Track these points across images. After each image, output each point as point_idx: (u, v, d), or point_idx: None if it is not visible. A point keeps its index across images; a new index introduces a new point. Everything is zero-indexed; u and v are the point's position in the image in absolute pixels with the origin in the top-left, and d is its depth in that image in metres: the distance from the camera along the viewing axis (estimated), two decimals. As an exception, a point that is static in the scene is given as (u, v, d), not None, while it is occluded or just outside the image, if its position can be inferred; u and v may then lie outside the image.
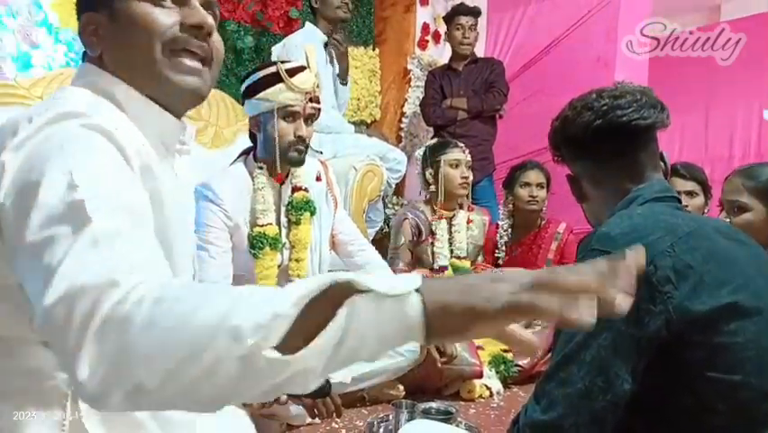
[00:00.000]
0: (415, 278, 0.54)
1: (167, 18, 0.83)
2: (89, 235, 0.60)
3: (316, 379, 0.54)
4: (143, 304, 0.54)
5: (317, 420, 1.89)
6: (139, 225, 0.66)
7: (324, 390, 1.54)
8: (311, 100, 1.87)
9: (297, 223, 1.95)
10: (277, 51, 3.08)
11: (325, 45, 3.17)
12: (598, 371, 0.90)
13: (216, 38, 0.89)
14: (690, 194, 2.42)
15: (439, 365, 2.18)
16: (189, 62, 0.85)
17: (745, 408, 0.90)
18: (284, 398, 1.49)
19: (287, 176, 1.97)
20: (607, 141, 1.08)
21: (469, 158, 2.73)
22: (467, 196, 2.79)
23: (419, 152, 2.88)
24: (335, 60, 3.19)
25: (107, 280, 0.56)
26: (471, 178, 2.76)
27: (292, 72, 1.85)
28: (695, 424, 0.92)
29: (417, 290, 0.53)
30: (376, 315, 0.52)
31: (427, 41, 4.34)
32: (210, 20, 0.86)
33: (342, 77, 3.26)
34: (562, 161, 1.19)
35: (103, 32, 0.85)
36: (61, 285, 0.56)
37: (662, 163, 1.13)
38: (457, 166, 2.69)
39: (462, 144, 2.80)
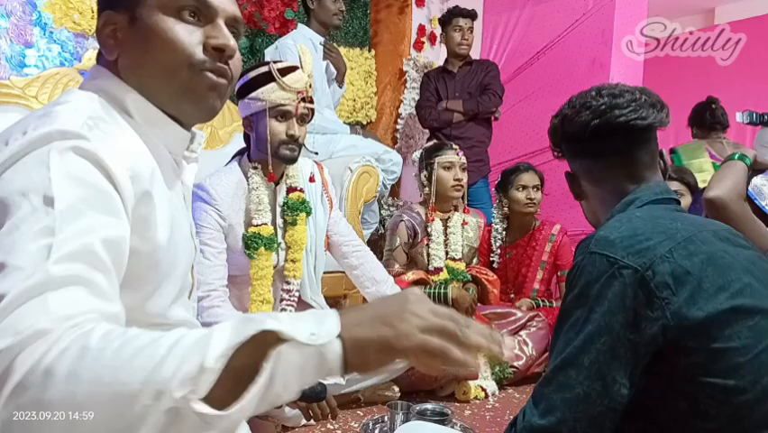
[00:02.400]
0: (333, 321, 0.58)
1: (190, 37, 0.82)
2: (40, 276, 0.58)
3: (239, 425, 0.56)
4: (65, 356, 0.53)
5: (312, 422, 1.89)
6: (99, 269, 0.64)
7: (320, 394, 1.53)
8: (304, 100, 1.87)
9: (293, 223, 1.95)
10: (270, 52, 3.09)
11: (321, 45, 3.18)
12: (596, 376, 0.90)
13: (236, 57, 0.87)
14: (675, 193, 2.45)
15: (434, 367, 2.17)
16: (209, 81, 0.84)
17: (738, 413, 0.89)
18: (278, 401, 1.49)
19: (281, 176, 1.97)
20: (605, 139, 1.08)
21: (463, 160, 2.73)
22: (462, 198, 2.79)
23: (416, 154, 2.88)
24: (330, 66, 3.20)
25: (34, 330, 0.54)
26: (466, 180, 2.76)
27: (284, 71, 1.85)
28: (687, 429, 0.92)
29: (338, 335, 0.57)
30: (299, 362, 0.55)
31: (423, 43, 4.34)
32: (233, 42, 0.85)
33: (340, 81, 3.26)
34: (563, 157, 1.20)
35: (122, 37, 0.83)
36: None
37: (661, 162, 1.14)
38: (450, 168, 2.69)
39: (457, 146, 2.80)
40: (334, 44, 3.33)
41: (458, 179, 2.68)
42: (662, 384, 0.92)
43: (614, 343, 0.90)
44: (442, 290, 2.57)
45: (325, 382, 1.68)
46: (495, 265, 3.13)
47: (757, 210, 1.55)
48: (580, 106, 1.10)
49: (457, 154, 2.73)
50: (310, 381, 0.57)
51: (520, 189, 3.02)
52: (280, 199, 1.97)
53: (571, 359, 0.92)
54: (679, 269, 0.91)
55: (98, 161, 0.69)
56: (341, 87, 3.31)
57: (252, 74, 1.87)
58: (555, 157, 1.22)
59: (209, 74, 0.83)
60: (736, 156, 1.45)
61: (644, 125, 1.07)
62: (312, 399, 1.54)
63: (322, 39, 3.20)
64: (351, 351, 0.57)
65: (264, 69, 1.87)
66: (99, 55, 0.87)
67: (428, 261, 2.69)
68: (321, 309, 0.60)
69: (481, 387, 2.35)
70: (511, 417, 2.16)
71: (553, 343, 1.00)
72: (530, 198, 3.00)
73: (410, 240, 2.71)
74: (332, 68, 3.21)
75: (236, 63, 0.88)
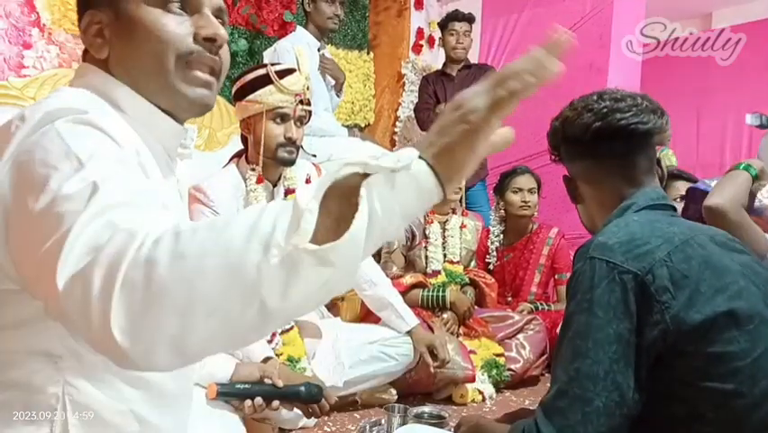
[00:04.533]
0: (411, 150, 0.57)
1: (180, 28, 0.81)
2: (97, 205, 0.58)
3: (357, 265, 0.54)
4: (162, 242, 0.52)
5: (310, 424, 1.89)
6: (149, 192, 0.65)
7: (316, 396, 1.54)
8: (301, 102, 1.88)
9: (290, 225, 1.95)
10: (268, 56, 3.10)
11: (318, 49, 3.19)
12: (613, 386, 0.89)
13: (225, 48, 0.87)
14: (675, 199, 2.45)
15: (432, 369, 2.18)
16: (202, 75, 0.83)
17: (735, 416, 0.90)
18: (276, 404, 1.49)
19: (279, 178, 1.97)
20: (605, 142, 1.09)
21: (461, 162, 2.73)
22: (460, 200, 2.79)
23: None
24: (328, 76, 3.21)
25: (122, 234, 0.54)
26: (464, 183, 2.76)
27: (282, 74, 1.85)
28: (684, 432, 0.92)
29: (419, 156, 0.56)
30: (393, 188, 0.54)
31: (421, 46, 4.35)
32: (222, 31, 0.84)
33: (339, 90, 3.27)
34: (560, 161, 1.20)
35: (109, 34, 0.82)
36: (71, 257, 0.55)
37: (658, 169, 1.14)
38: (447, 170, 2.69)
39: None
40: (328, 55, 3.33)
41: (455, 182, 2.68)
42: (661, 389, 0.92)
43: (624, 350, 0.90)
44: (439, 293, 2.57)
45: (323, 385, 1.68)
46: (492, 268, 3.13)
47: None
48: (581, 109, 1.11)
49: (454, 157, 2.72)
50: (414, 208, 0.57)
51: (516, 192, 3.02)
52: (278, 201, 1.97)
53: (585, 370, 0.91)
54: (677, 273, 0.92)
55: (104, 130, 0.69)
56: (339, 96, 3.32)
57: (250, 76, 1.87)
58: (552, 161, 1.22)
59: (200, 69, 0.83)
60: (742, 166, 1.45)
61: (644, 130, 1.08)
62: (309, 401, 1.54)
63: (319, 42, 3.21)
64: (438, 162, 0.56)
65: (262, 71, 1.87)
66: (86, 52, 0.86)
67: (426, 263, 2.69)
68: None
69: (478, 390, 2.34)
70: (508, 420, 2.16)
71: (558, 350, 0.99)
72: (525, 201, 3.00)
73: (408, 242, 2.71)
74: (329, 78, 3.22)
75: (226, 53, 0.87)
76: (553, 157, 1.21)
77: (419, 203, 0.57)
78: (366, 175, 0.54)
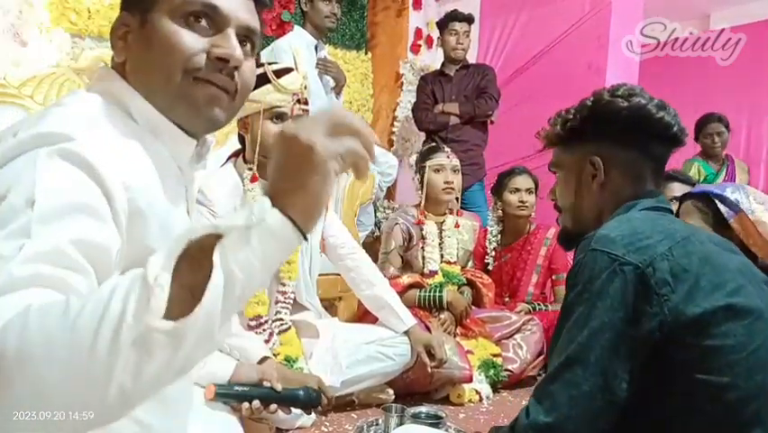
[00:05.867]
0: (264, 200, 0.57)
1: (194, 43, 0.80)
2: (3, 278, 0.56)
3: (220, 329, 0.54)
4: (9, 332, 0.51)
5: (307, 424, 1.89)
6: (71, 268, 0.62)
7: (315, 400, 1.54)
8: (299, 101, 1.88)
9: (288, 225, 1.95)
10: (265, 55, 3.09)
11: (315, 48, 3.19)
12: (600, 372, 0.92)
13: (246, 68, 0.85)
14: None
15: (429, 370, 2.18)
16: (209, 92, 0.81)
17: (731, 409, 0.91)
18: (273, 407, 1.49)
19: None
20: (642, 133, 1.10)
21: (455, 162, 2.73)
22: (456, 200, 2.79)
23: (413, 158, 2.89)
24: (328, 77, 3.20)
25: None
26: (460, 183, 2.76)
27: (279, 73, 1.85)
28: (681, 426, 0.93)
29: (272, 206, 0.56)
30: (249, 246, 0.54)
31: (420, 46, 4.35)
32: (238, 52, 0.82)
33: (338, 92, 3.27)
34: (568, 140, 1.18)
35: (131, 39, 0.82)
36: None
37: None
38: (440, 171, 2.69)
39: (449, 149, 2.80)
40: (329, 57, 3.32)
41: (448, 182, 2.68)
42: (657, 382, 0.94)
43: (616, 339, 0.92)
44: (437, 293, 2.57)
45: (320, 381, 1.68)
46: (490, 268, 3.13)
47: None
48: (628, 94, 1.11)
49: (448, 157, 2.73)
50: (276, 259, 0.57)
51: (513, 192, 3.03)
52: (276, 201, 1.97)
53: (577, 356, 0.93)
54: (677, 266, 0.94)
55: (87, 165, 0.67)
56: (338, 98, 3.31)
57: (247, 75, 1.87)
58: (552, 142, 1.21)
59: (207, 85, 0.81)
60: None
61: (679, 139, 1.12)
62: (308, 405, 1.54)
63: (316, 42, 3.21)
64: (293, 210, 0.57)
65: (259, 70, 1.86)
66: (113, 57, 0.86)
67: (423, 264, 2.69)
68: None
69: (476, 390, 2.35)
70: (505, 420, 2.17)
71: (554, 340, 1.01)
72: (522, 201, 3.01)
73: (405, 243, 2.71)
74: (329, 79, 3.22)
75: (246, 74, 0.85)
76: (558, 134, 1.19)
77: (280, 253, 0.57)
78: (220, 236, 0.53)
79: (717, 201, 1.59)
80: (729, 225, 1.54)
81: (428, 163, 2.71)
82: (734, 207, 1.55)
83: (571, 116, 1.16)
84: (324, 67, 3.17)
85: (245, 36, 0.85)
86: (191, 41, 0.80)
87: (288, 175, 0.58)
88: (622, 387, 0.92)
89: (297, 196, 0.57)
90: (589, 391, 0.92)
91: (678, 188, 2.42)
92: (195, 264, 0.53)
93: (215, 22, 0.82)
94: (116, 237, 0.69)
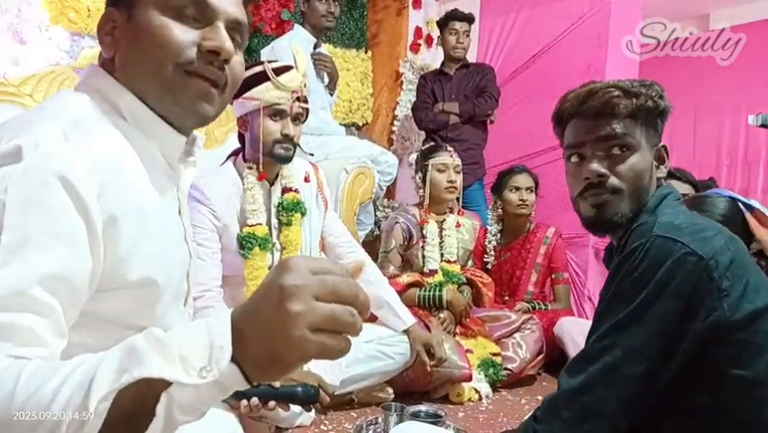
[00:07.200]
0: (225, 342, 0.53)
1: (184, 36, 0.79)
2: None
3: None
4: None
5: (306, 422, 1.89)
6: (37, 312, 0.62)
7: (313, 396, 1.53)
8: (298, 99, 1.87)
9: (288, 224, 1.95)
10: (265, 54, 3.09)
11: (314, 47, 3.19)
12: (644, 358, 0.92)
13: (235, 61, 0.84)
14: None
15: (428, 368, 2.18)
16: (199, 86, 0.81)
17: (756, 406, 0.92)
18: (272, 404, 1.49)
19: (276, 176, 1.97)
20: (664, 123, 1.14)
21: (457, 162, 2.74)
22: (457, 200, 2.79)
23: (413, 157, 2.89)
24: (324, 74, 3.20)
25: None
26: (461, 182, 2.76)
27: (279, 71, 1.85)
28: (705, 424, 0.94)
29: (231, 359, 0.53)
30: (195, 396, 0.54)
31: (420, 45, 4.35)
32: (228, 45, 0.81)
33: (332, 88, 3.27)
34: (641, 118, 1.11)
35: (119, 34, 0.81)
36: None
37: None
38: (443, 170, 2.69)
39: (451, 149, 2.80)
40: (325, 52, 3.32)
41: (451, 181, 2.69)
42: (688, 378, 0.94)
43: (666, 328, 0.92)
44: (436, 293, 2.57)
45: (320, 379, 1.68)
46: (489, 267, 3.13)
47: None
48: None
49: (451, 156, 2.73)
50: (216, 401, 0.56)
51: (513, 191, 3.03)
52: (275, 200, 1.96)
53: (622, 341, 0.93)
54: (735, 262, 0.94)
55: (64, 181, 0.66)
56: (332, 95, 3.30)
57: (247, 73, 1.87)
58: (619, 113, 1.10)
59: (199, 79, 0.80)
60: None
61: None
62: (306, 401, 1.54)
63: (316, 40, 3.21)
64: (249, 370, 0.54)
65: (259, 68, 1.87)
66: (101, 54, 0.86)
67: (423, 263, 2.69)
68: (216, 320, 0.55)
69: (475, 389, 2.35)
70: (504, 419, 2.17)
71: (599, 319, 1.00)
72: (522, 200, 3.01)
73: (405, 242, 2.71)
74: (325, 75, 3.21)
75: (236, 67, 0.85)
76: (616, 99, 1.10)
77: (221, 395, 0.56)
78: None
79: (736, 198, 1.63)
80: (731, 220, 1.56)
81: (431, 162, 2.71)
82: (748, 207, 1.60)
83: (654, 94, 1.11)
84: (319, 61, 3.16)
85: (233, 29, 0.84)
86: (181, 33, 0.79)
87: (261, 333, 0.53)
88: (663, 377, 0.93)
89: (261, 353, 0.53)
90: (628, 375, 0.92)
91: (676, 186, 2.42)
92: (138, 396, 0.52)
93: (204, 14, 0.81)
94: (88, 259, 0.69)
